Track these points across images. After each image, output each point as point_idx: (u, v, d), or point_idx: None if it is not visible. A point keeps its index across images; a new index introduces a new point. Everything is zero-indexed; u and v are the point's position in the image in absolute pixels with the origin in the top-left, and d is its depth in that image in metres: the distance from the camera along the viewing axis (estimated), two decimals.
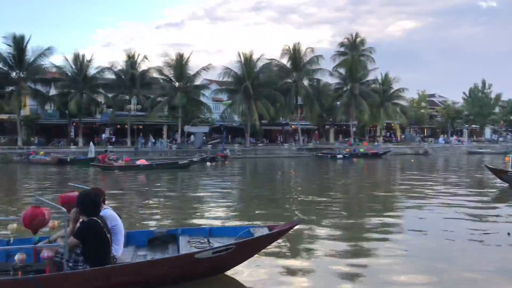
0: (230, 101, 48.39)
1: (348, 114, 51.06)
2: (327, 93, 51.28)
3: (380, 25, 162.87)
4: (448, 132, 64.33)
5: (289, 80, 49.34)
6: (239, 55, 46.61)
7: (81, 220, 4.82)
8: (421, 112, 62.39)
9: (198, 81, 47.35)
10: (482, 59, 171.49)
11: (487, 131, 68.08)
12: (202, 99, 46.82)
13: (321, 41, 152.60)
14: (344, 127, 58.40)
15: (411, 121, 60.18)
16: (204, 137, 45.19)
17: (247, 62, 46.19)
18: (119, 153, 32.64)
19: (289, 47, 48.79)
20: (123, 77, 43.54)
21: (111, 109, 44.73)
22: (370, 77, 53.15)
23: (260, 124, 47.08)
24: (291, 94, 47.72)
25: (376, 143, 51.48)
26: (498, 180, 16.58)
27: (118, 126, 47.28)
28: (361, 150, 43.76)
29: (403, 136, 59.22)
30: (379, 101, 51.09)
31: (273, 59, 49.50)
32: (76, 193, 5.25)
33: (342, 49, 52.53)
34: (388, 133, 61.30)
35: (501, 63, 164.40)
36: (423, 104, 64.03)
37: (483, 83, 63.03)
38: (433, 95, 71.80)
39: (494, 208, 11.91)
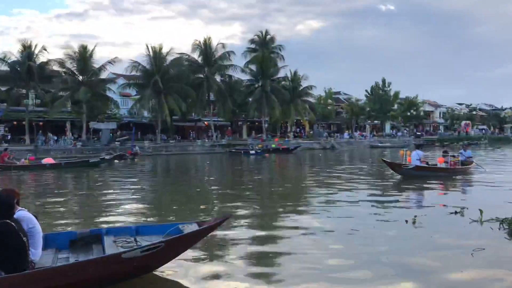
0: (138, 96, 46.60)
1: (260, 110, 51.76)
2: (239, 89, 51.62)
3: (289, 23, 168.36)
4: (352, 127, 68.14)
5: (201, 76, 48.69)
6: (147, 48, 45.22)
7: None
8: (328, 109, 65.34)
9: (104, 75, 44.92)
10: (382, 58, 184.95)
11: (387, 126, 73.31)
12: (109, 94, 44.44)
13: (232, 37, 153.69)
14: (256, 123, 59.17)
15: (318, 117, 62.79)
16: (111, 134, 42.91)
17: (156, 56, 44.79)
18: (17, 151, 29.72)
19: (199, 42, 48.20)
20: (18, 69, 39.78)
21: (5, 104, 40.69)
22: (280, 74, 54.59)
23: (172, 120, 45.95)
24: (203, 90, 47.14)
25: (286, 139, 52.83)
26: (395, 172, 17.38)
27: (15, 123, 43.23)
28: (273, 145, 44.58)
29: (311, 132, 61.54)
30: (289, 98, 52.53)
31: (184, 53, 48.65)
32: None
33: (252, 45, 53.13)
34: (298, 129, 63.30)
35: (399, 62, 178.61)
36: (330, 101, 67.12)
37: (383, 81, 67.81)
38: (338, 93, 75.65)
39: (392, 199, 12.53)
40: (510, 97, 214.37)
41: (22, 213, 4.86)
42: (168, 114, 43.76)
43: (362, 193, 13.16)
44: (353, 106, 67.13)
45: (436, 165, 18.01)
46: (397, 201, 12.13)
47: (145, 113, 48.05)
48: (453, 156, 18.65)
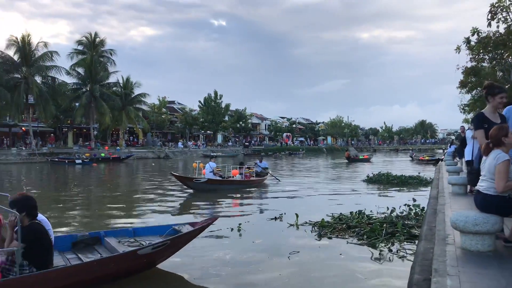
0: None
1: (88, 116, 48.41)
2: (64, 93, 47.27)
3: (121, 27, 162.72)
4: (186, 137, 68.75)
5: (18, 76, 43.30)
6: None
7: (20, 224, 4.47)
8: (162, 117, 64.73)
9: None
10: (214, 71, 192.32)
11: (219, 137, 76.00)
12: None
13: (57, 36, 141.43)
14: (84, 130, 55.26)
15: (152, 125, 61.75)
16: None
17: None
18: None
19: (16, 38, 42.83)
20: None
21: None
22: (111, 79, 52.08)
23: None
24: (19, 92, 41.85)
25: (118, 148, 50.49)
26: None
27: None
28: (102, 154, 42.18)
29: (145, 140, 60.13)
30: (121, 105, 50.47)
31: None
32: None
33: (80, 47, 49.66)
34: (131, 137, 61.18)
35: (229, 76, 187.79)
36: (164, 110, 66.62)
37: (215, 93, 70.18)
38: (173, 102, 75.65)
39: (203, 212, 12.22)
40: (322, 112, 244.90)
41: (39, 216, 4.96)
42: None
43: (165, 205, 13.04)
44: (187, 116, 67.88)
45: (231, 177, 18.03)
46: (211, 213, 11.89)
47: None
48: (248, 168, 18.93)
